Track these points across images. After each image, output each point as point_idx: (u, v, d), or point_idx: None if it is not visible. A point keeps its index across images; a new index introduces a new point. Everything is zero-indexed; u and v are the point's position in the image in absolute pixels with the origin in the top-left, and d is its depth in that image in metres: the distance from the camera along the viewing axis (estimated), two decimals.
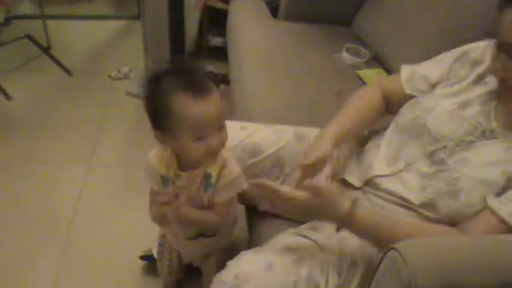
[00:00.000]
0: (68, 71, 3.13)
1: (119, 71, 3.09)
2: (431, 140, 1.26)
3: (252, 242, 1.53)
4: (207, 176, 1.26)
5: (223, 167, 1.26)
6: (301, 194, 1.12)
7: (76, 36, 3.56)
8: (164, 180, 1.31)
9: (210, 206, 1.33)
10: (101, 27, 3.68)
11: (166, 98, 1.15)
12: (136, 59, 3.03)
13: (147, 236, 1.67)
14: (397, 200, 1.26)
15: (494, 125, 1.20)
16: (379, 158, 1.36)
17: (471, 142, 1.21)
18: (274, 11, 2.58)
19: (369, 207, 1.30)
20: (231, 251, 1.51)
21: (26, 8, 3.75)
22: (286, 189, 1.14)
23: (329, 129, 1.35)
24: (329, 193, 1.13)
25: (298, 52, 2.25)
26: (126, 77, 3.07)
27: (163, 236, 1.61)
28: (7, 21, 3.53)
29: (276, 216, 1.47)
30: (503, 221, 1.08)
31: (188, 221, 1.33)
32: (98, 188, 2.25)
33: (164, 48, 2.78)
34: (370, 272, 1.16)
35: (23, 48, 3.30)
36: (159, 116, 1.18)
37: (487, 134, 1.20)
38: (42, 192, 2.27)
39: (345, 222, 1.14)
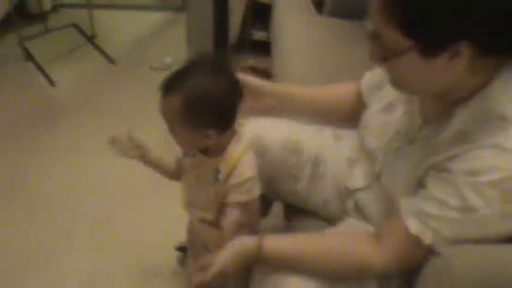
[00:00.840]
0: (111, 60, 3.17)
1: (161, 62, 3.11)
2: (368, 157, 1.24)
3: None
4: (217, 171, 1.27)
5: (235, 167, 1.25)
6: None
7: (121, 26, 3.60)
8: (185, 152, 1.39)
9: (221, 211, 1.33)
10: (145, 17, 3.72)
11: None
12: (179, 50, 3.04)
13: (184, 226, 1.67)
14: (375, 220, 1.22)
15: (418, 122, 1.09)
16: (358, 169, 1.31)
17: (398, 149, 1.12)
18: (318, 7, 2.56)
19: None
20: None
21: None
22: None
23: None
24: (223, 257, 1.11)
25: (342, 49, 2.21)
26: (168, 68, 3.08)
27: (190, 223, 1.62)
28: (54, 8, 3.60)
29: (316, 216, 1.46)
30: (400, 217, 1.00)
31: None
32: (137, 176, 2.26)
33: (207, 40, 2.78)
34: (409, 277, 1.13)
35: (68, 36, 3.36)
36: None
37: (409, 135, 1.10)
38: (80, 179, 2.31)
39: (260, 259, 1.11)
